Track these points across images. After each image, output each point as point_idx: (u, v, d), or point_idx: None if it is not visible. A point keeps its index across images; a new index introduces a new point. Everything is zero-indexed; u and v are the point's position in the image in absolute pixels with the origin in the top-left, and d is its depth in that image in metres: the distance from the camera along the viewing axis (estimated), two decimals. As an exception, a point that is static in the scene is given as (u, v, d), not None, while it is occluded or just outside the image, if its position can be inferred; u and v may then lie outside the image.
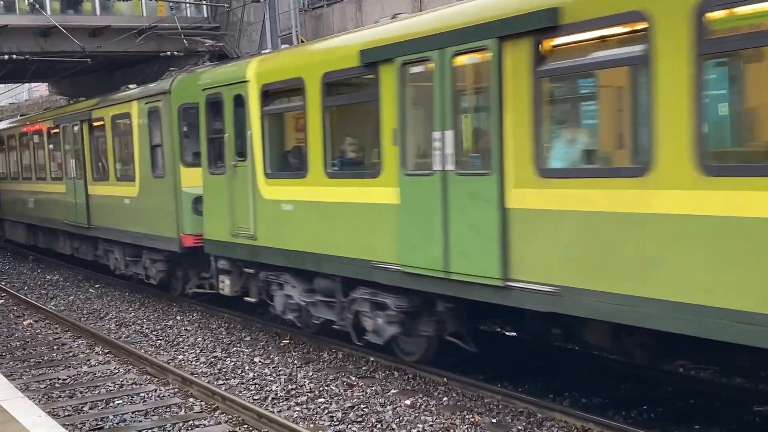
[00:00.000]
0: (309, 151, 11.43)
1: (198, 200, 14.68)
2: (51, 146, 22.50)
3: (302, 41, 22.50)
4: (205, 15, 29.24)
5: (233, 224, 13.14)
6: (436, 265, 9.34)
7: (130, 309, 16.96)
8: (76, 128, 20.01)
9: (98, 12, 28.35)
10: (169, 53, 26.84)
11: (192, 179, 14.91)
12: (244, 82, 12.70)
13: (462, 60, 9.05)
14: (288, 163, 12.52)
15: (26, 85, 49.80)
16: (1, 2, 27.00)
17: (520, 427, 8.90)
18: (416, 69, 9.67)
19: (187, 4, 29.25)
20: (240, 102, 12.84)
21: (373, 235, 10.36)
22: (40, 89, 52.81)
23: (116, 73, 32.74)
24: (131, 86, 18.22)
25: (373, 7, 22.80)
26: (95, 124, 19.02)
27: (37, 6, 26.21)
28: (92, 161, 19.35)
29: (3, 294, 19.68)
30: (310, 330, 12.73)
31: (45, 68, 31.13)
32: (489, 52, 8.54)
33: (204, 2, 28.87)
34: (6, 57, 26.14)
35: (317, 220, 11.38)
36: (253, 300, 13.67)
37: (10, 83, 43.46)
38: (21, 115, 31.47)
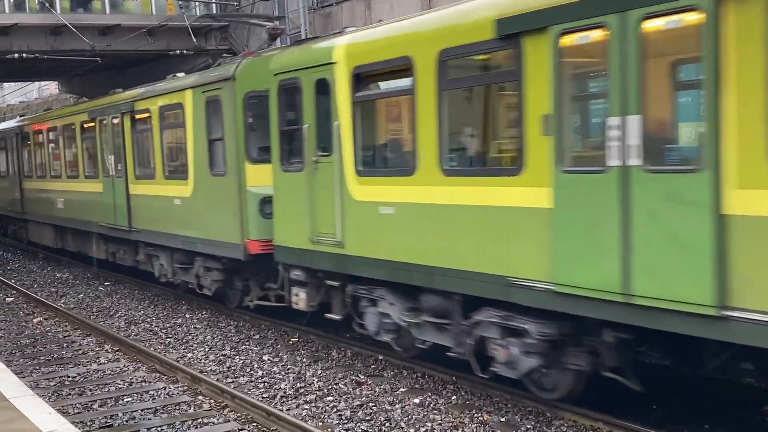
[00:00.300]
0: (418, 144, 9.55)
1: (266, 201, 13.07)
2: (85, 142, 20.43)
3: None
4: (215, 13, 29.27)
5: (313, 229, 11.42)
6: (611, 286, 7.48)
7: (140, 307, 17.00)
8: (115, 121, 18.03)
9: (108, 11, 28.43)
10: (178, 51, 26.95)
11: (259, 177, 13.21)
12: (330, 64, 10.89)
13: (655, 25, 7.08)
14: (387, 158, 10.87)
15: (36, 83, 49.98)
16: (12, 0, 27.09)
17: (528, 426, 8.89)
18: (582, 39, 7.74)
19: (197, 3, 29.29)
20: (323, 88, 11.08)
21: (510, 245, 8.46)
22: (50, 88, 52.98)
23: (126, 71, 32.82)
24: (179, 74, 16.70)
25: (381, 6, 22.79)
26: (139, 116, 17.07)
27: (47, 4, 26.29)
28: (135, 158, 17.38)
29: (13, 292, 19.75)
30: (409, 353, 10.92)
31: (55, 67, 31.24)
32: (700, 13, 6.70)
33: (213, 1, 28.92)
34: (16, 55, 26.26)
35: (429, 226, 9.54)
36: (336, 318, 11.86)
37: (21, 81, 43.68)
38: (46, 109, 30.17)
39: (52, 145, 23.36)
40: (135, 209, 17.42)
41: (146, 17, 28.35)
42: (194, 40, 26.70)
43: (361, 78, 10.57)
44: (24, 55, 26.22)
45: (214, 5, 29.01)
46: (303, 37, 23.32)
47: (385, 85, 10.62)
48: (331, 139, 10.97)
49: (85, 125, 20.24)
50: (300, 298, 12.31)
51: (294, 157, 11.91)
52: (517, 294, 8.44)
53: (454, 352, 9.73)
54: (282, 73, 12.01)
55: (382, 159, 10.99)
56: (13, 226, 29.10)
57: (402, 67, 9.80)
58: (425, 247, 9.62)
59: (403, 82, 9.86)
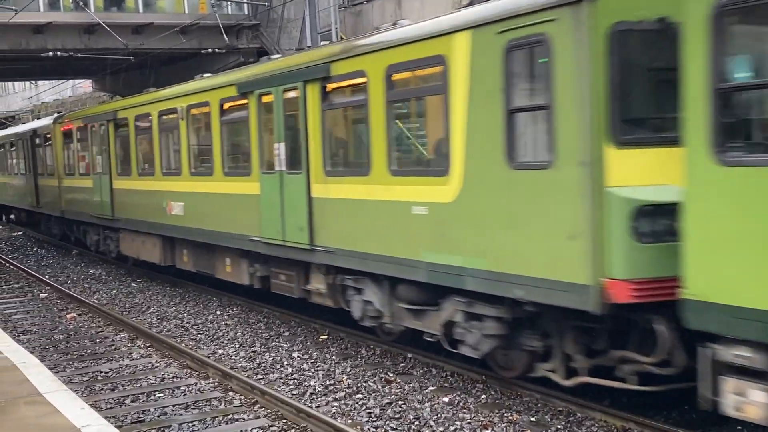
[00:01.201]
0: None
1: (645, 213, 7.80)
2: (226, 127, 14.99)
3: (341, 38, 22.53)
4: (246, 12, 29.50)
5: None
6: None
7: (171, 303, 17.14)
8: (290, 95, 12.76)
9: (141, 9, 28.78)
10: (210, 50, 27.16)
11: (630, 171, 7.98)
12: None
13: None
14: None
15: (70, 81, 50.60)
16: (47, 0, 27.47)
17: (559, 426, 8.85)
18: None
19: (229, 2, 29.51)
20: None
21: None
22: (84, 86, 53.60)
23: (159, 70, 33.12)
24: (403, 21, 11.39)
25: (412, 4, 22.80)
26: (336, 85, 11.83)
27: (81, 3, 26.61)
28: (325, 146, 12.08)
29: (47, 288, 20.00)
30: None
31: (89, 65, 31.67)
32: None
33: (245, 1, 29.10)
34: (50, 53, 26.61)
35: None
36: None
37: (55, 80, 44.24)
38: (137, 91, 21.75)
39: (165, 133, 17.77)
40: (321, 219, 12.15)
41: (179, 16, 28.66)
42: (226, 38, 26.91)
43: None
44: (58, 53, 26.60)
45: (245, 4, 29.18)
46: (333, 36, 23.30)
47: None
48: None
49: (225, 105, 14.83)
50: (755, 402, 7.02)
51: None
52: None
53: None
54: None
55: None
56: (96, 236, 23.71)
57: None
58: None
59: None
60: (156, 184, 18.17)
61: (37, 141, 28.45)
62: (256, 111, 13.68)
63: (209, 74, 16.76)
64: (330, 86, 11.85)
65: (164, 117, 17.49)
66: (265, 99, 13.39)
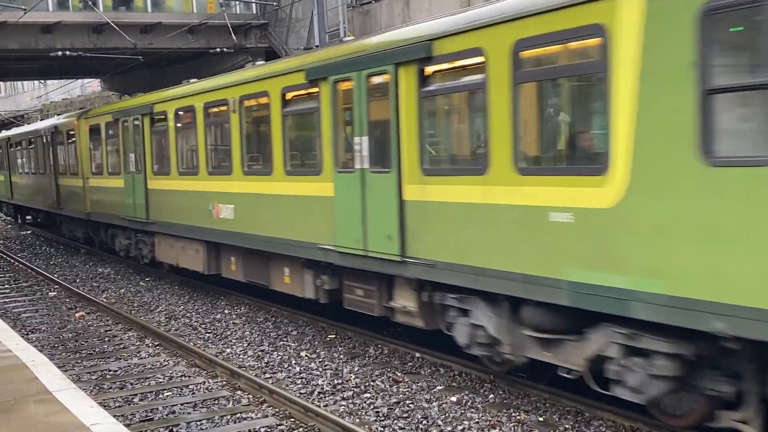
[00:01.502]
0: None
1: None
2: (287, 120, 13.01)
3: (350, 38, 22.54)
4: (254, 11, 29.58)
5: None
6: None
7: (180, 302, 17.17)
8: (376, 81, 10.82)
9: (149, 9, 28.88)
10: (218, 50, 27.24)
11: None
12: None
13: None
14: None
15: (79, 81, 50.71)
16: (56, -1, 27.59)
17: (567, 426, 8.84)
18: None
19: (237, 2, 29.59)
20: None
21: None
22: (92, 85, 53.76)
23: (168, 69, 33.22)
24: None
25: (420, 4, 22.78)
26: (439, 67, 9.89)
27: (90, 3, 26.69)
28: (423, 140, 10.14)
29: (56, 286, 20.06)
30: None
31: (97, 64, 31.76)
32: None
33: (254, 0, 29.16)
34: (59, 53, 26.71)
35: None
36: None
37: (64, 79, 44.39)
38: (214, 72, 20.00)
39: (211, 128, 15.95)
40: (417, 226, 10.16)
41: (187, 15, 28.77)
42: (234, 38, 26.96)
43: None
44: (67, 52, 26.70)
45: (253, 4, 29.24)
46: (342, 35, 23.35)
47: None
48: None
49: (288, 94, 12.86)
50: None
51: None
52: None
53: None
54: None
55: None
56: (127, 240, 21.74)
57: None
58: None
59: None
60: (200, 184, 16.14)
61: (58, 138, 26.44)
62: (329, 100, 11.69)
63: (261, 62, 15.24)
64: (430, 68, 9.86)
65: (211, 110, 15.57)
66: (343, 86, 11.45)
